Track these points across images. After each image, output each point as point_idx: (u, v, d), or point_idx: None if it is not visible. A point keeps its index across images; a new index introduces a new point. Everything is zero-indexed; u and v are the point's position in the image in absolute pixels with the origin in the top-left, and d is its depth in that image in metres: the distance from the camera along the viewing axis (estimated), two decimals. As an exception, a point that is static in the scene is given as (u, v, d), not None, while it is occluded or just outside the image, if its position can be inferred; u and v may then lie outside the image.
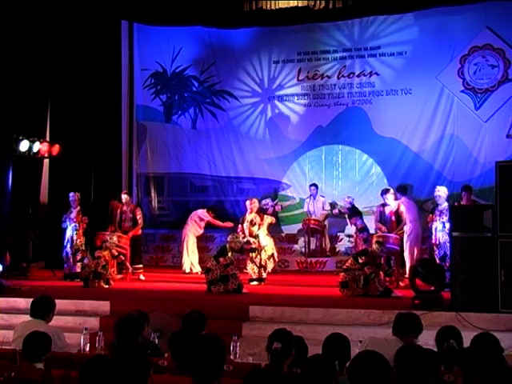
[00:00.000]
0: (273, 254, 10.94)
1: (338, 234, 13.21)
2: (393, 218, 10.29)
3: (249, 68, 14.39)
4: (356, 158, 13.72)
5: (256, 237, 10.69)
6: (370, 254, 9.21)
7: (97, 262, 10.23)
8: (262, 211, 11.24)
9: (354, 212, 11.57)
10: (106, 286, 10.19)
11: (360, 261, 9.02)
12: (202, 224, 12.25)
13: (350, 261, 9.27)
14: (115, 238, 10.72)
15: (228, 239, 9.89)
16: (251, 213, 10.93)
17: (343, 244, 13.09)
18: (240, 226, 11.08)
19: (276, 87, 14.23)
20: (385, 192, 10.50)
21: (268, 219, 11.06)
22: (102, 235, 11.34)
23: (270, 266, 10.85)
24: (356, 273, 8.93)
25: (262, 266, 10.46)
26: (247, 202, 11.19)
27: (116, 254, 10.71)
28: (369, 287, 8.86)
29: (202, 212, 12.31)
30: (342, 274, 9.10)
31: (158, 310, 6.31)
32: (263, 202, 11.91)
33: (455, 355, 4.37)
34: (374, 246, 9.36)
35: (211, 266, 9.55)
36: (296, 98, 14.10)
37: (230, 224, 12.04)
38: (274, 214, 12.26)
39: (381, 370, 3.21)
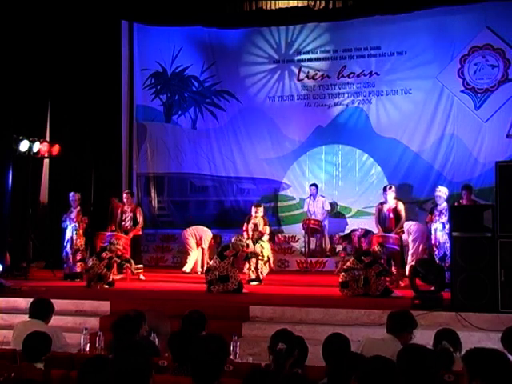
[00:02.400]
0: (269, 259, 10.75)
1: (338, 233, 13.19)
2: (391, 215, 10.29)
3: (249, 68, 14.38)
4: (356, 158, 13.71)
5: (256, 242, 10.67)
6: (372, 254, 9.21)
7: (103, 264, 10.19)
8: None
9: (347, 236, 11.73)
10: (106, 286, 10.19)
11: (366, 261, 9.01)
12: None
13: (351, 260, 9.25)
14: (121, 243, 10.67)
15: (232, 240, 9.91)
16: (256, 218, 10.94)
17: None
18: (246, 224, 11.04)
19: (276, 88, 14.20)
20: (388, 188, 10.50)
21: (267, 235, 11.03)
22: (102, 235, 11.34)
23: (265, 271, 10.68)
24: (356, 273, 8.92)
25: (257, 269, 10.47)
26: (253, 210, 11.06)
27: (120, 254, 10.70)
28: (369, 287, 8.86)
29: (206, 235, 12.07)
30: (342, 274, 9.09)
31: (151, 310, 6.31)
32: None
33: (448, 356, 4.43)
34: (376, 248, 9.36)
35: (213, 264, 9.56)
36: (296, 97, 14.10)
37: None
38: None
39: (391, 376, 3.20)
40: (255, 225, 10.90)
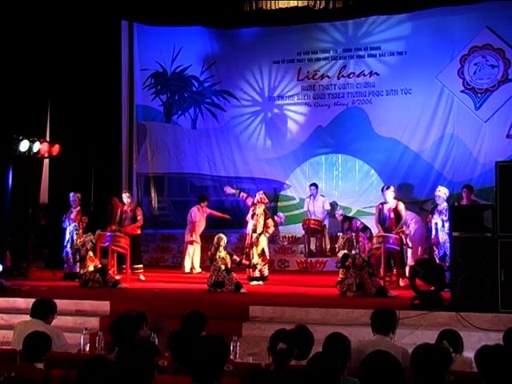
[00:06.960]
0: (263, 251, 10.49)
1: (338, 233, 13.16)
2: (391, 215, 10.30)
3: (249, 68, 14.37)
4: (356, 158, 13.71)
5: (253, 232, 10.60)
6: (350, 255, 9.22)
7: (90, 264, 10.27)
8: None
9: (349, 218, 11.68)
10: (118, 277, 10.30)
11: (349, 264, 9.03)
12: (201, 223, 12.24)
13: (340, 272, 9.25)
14: (94, 238, 10.68)
15: (215, 240, 9.91)
16: (260, 207, 10.63)
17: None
18: (250, 200, 10.87)
19: (276, 88, 14.20)
20: (386, 188, 10.51)
21: (273, 228, 10.89)
22: (102, 235, 11.33)
23: (266, 269, 10.50)
24: (350, 281, 8.93)
25: (252, 266, 10.42)
26: (260, 196, 10.72)
27: (89, 244, 10.61)
28: (364, 289, 8.88)
29: (194, 212, 12.24)
30: (338, 286, 9.10)
31: (151, 310, 6.30)
32: (280, 215, 12.14)
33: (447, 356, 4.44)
34: (342, 252, 9.38)
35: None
36: (296, 97, 14.10)
37: (227, 216, 12.58)
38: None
39: (393, 369, 3.19)
40: (254, 213, 10.56)
